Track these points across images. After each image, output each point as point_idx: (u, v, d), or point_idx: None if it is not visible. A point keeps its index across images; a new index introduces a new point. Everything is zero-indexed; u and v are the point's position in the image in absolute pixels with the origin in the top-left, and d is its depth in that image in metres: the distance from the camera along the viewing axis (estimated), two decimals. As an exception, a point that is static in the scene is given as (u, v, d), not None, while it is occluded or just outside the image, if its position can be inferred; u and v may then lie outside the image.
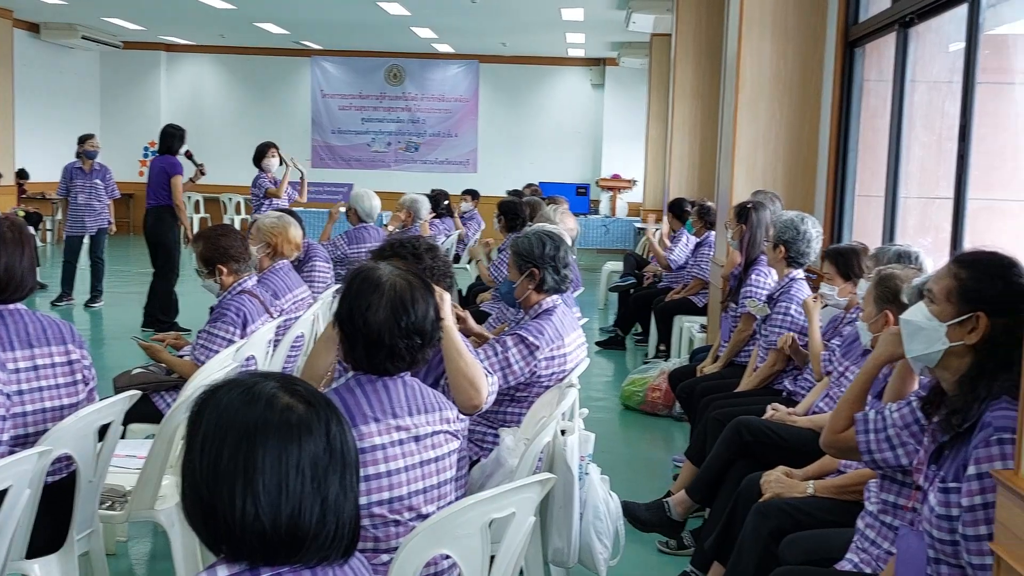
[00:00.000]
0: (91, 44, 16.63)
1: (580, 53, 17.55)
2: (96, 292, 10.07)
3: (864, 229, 5.56)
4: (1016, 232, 4.35)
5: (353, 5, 13.23)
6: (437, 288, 2.59)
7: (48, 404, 2.84)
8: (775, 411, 3.93)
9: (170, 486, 3.30)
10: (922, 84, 4.97)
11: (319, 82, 18.52)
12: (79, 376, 2.94)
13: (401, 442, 2.35)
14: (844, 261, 4.14)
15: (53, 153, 16.28)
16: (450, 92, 18.42)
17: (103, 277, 10.13)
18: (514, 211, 7.48)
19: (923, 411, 2.39)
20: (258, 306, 4.30)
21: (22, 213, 13.19)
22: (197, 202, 17.41)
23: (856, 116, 5.64)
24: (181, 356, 4.31)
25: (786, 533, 2.91)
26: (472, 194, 12.29)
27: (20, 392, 2.78)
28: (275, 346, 4.48)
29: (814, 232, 4.58)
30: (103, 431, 2.91)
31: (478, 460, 3.27)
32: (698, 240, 7.68)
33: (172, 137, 9.04)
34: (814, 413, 3.82)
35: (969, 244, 3.97)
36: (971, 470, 2.03)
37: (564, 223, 6.09)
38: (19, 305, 2.85)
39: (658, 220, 10.23)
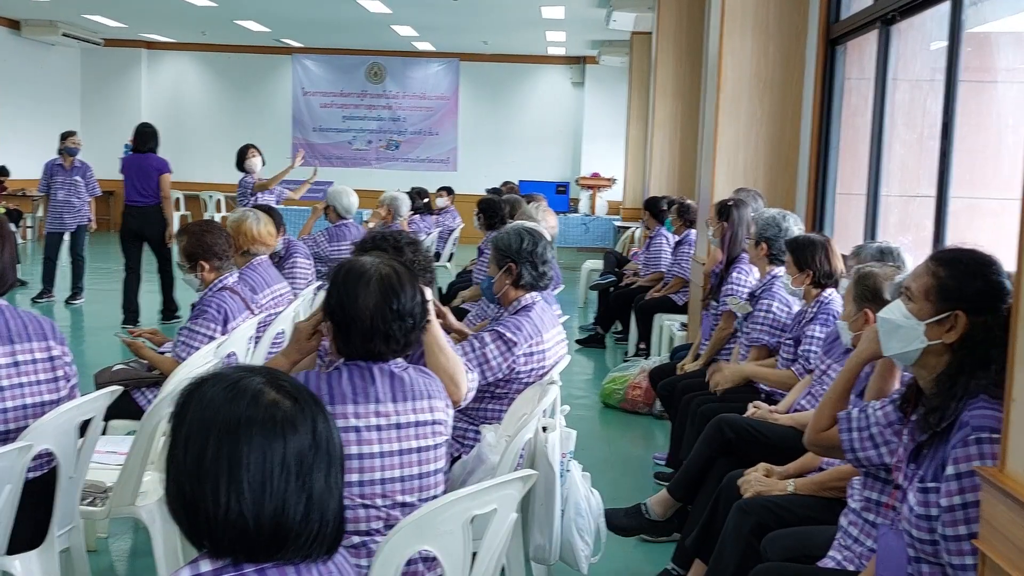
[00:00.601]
0: (72, 41, 16.51)
1: (561, 51, 17.57)
2: (77, 289, 10.02)
3: (845, 227, 5.59)
4: (997, 230, 4.38)
5: (334, 3, 13.20)
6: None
7: (29, 400, 2.82)
8: (756, 409, 3.94)
9: (151, 482, 3.29)
10: (904, 82, 5.00)
11: (300, 80, 18.46)
12: (60, 372, 2.92)
13: (379, 427, 2.38)
14: (800, 251, 4.19)
15: (34, 150, 16.14)
16: (431, 90, 18.41)
17: (83, 274, 10.07)
18: (494, 209, 7.48)
19: (900, 409, 2.41)
20: (239, 303, 4.28)
21: (2, 210, 13.08)
22: (178, 199, 17.26)
23: (837, 114, 5.67)
24: (162, 352, 4.29)
25: (768, 530, 2.92)
26: (448, 190, 12.33)
27: (0, 388, 2.76)
28: (256, 343, 4.46)
29: (796, 229, 4.60)
30: (84, 427, 2.89)
31: (459, 456, 3.27)
32: (678, 238, 7.70)
33: (152, 136, 9.18)
34: (796, 411, 3.84)
35: (951, 242, 4.00)
36: (950, 470, 2.04)
37: (545, 221, 6.10)
38: (2, 301, 2.83)
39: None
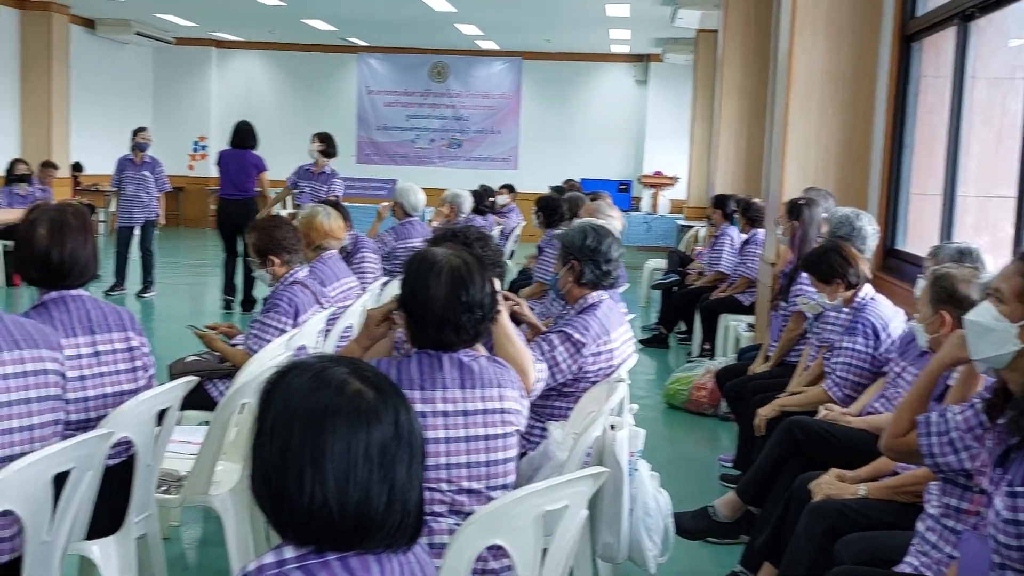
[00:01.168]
0: (144, 40, 16.84)
1: (624, 50, 17.49)
2: (147, 282, 10.21)
3: (920, 227, 5.48)
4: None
5: (399, 1, 13.29)
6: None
7: (109, 390, 2.89)
8: (829, 411, 3.88)
9: (224, 472, 3.34)
10: (982, 80, 4.87)
11: (365, 79, 18.62)
12: (139, 363, 2.98)
13: (446, 413, 2.41)
14: (817, 267, 4.15)
15: (107, 147, 16.50)
16: (494, 89, 18.45)
17: (153, 268, 10.26)
18: (553, 207, 7.46)
19: (986, 413, 2.35)
20: (309, 296, 4.34)
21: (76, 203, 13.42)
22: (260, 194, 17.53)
23: (912, 113, 5.56)
24: (234, 345, 4.35)
25: (841, 533, 2.87)
26: (509, 188, 12.35)
27: (82, 378, 2.83)
28: (325, 336, 4.51)
29: (870, 229, 4.52)
30: (160, 416, 2.94)
31: (525, 453, 3.27)
32: (745, 238, 7.62)
33: (251, 134, 9.79)
34: (868, 413, 3.77)
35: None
36: None
37: (611, 218, 6.08)
38: (82, 292, 2.90)
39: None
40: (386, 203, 7.85)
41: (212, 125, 18.54)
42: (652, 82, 17.72)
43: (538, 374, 3.03)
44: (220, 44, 18.55)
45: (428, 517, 2.38)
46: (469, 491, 2.42)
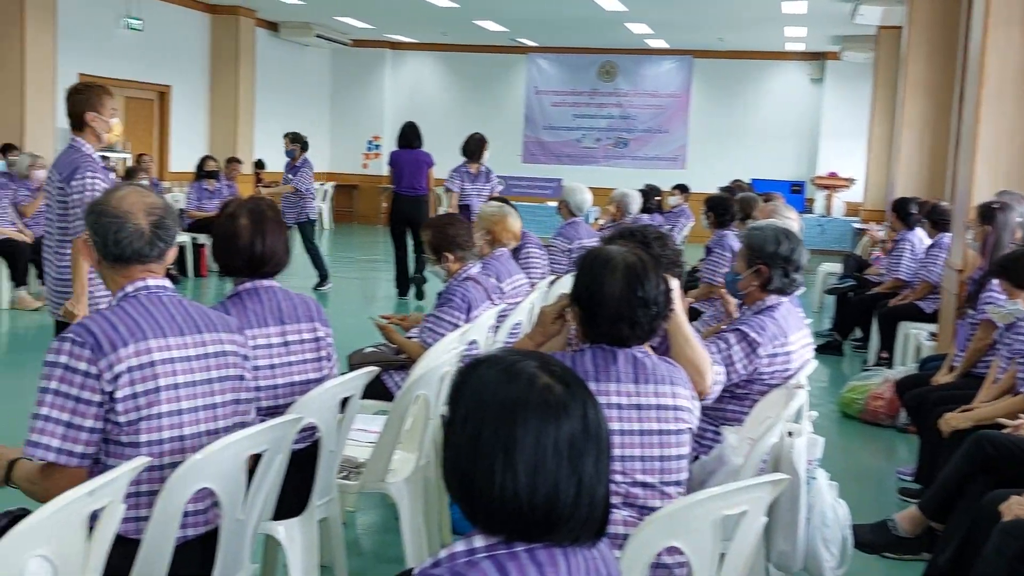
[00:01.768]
0: (323, 42, 17.50)
1: (799, 47, 17.01)
2: (322, 276, 10.57)
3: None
4: None
5: (571, 2, 13.34)
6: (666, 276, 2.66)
7: (297, 378, 3.02)
8: (1018, 426, 3.67)
9: (401, 460, 3.43)
10: None
11: (534, 79, 18.78)
12: (324, 353, 3.10)
13: (619, 406, 2.44)
14: (1011, 273, 3.87)
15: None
16: (662, 88, 18.28)
17: (321, 262, 10.61)
18: (724, 207, 7.32)
19: None
20: (481, 292, 4.41)
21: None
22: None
23: (1120, 112, 5.20)
24: (410, 338, 4.47)
25: (1035, 555, 2.72)
26: (682, 188, 12.17)
27: (272, 366, 2.97)
28: (495, 332, 4.58)
29: (1072, 235, 4.25)
30: (343, 404, 3.05)
31: (697, 457, 3.22)
32: (930, 242, 7.27)
33: (418, 135, 10.28)
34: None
35: None
36: None
37: (788, 220, 5.91)
38: (274, 283, 3.04)
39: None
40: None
41: (385, 125, 19.08)
42: (828, 80, 17.17)
43: (716, 376, 2.98)
44: (394, 46, 19.08)
45: None
46: (644, 484, 2.44)
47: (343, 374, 3.12)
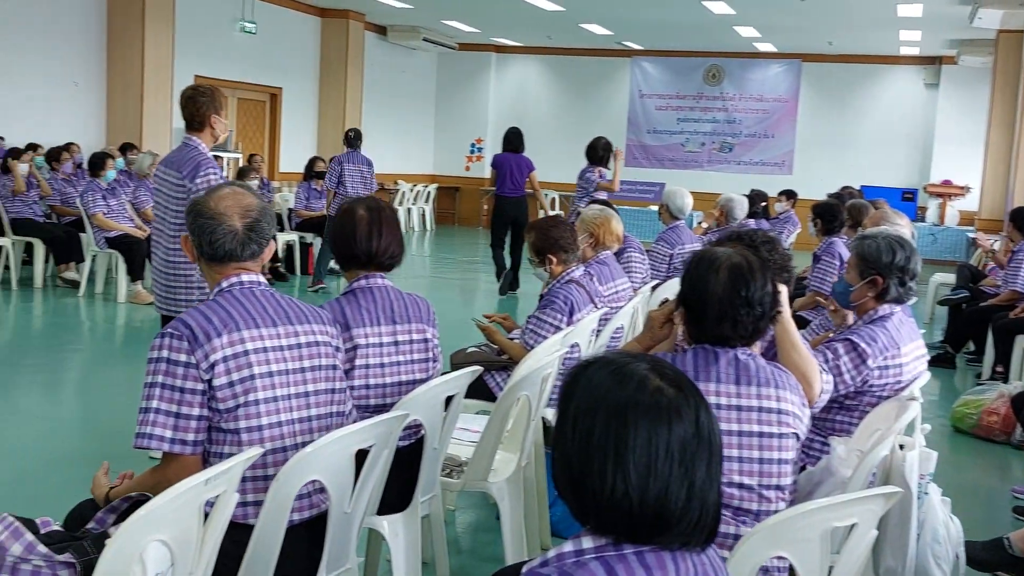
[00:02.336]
0: (430, 46, 17.73)
1: (914, 51, 16.55)
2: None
3: None
4: None
5: (678, 5, 13.24)
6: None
7: (404, 378, 3.06)
8: None
9: (502, 460, 3.45)
10: None
11: (638, 82, 18.68)
12: (430, 354, 3.14)
13: (718, 407, 2.43)
14: None
15: (393, 147, 17.56)
16: (769, 92, 18.00)
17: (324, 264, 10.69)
18: (832, 214, 7.16)
19: None
20: (584, 295, 4.40)
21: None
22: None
23: None
24: (511, 339, 4.49)
25: None
26: (789, 195, 11.94)
27: (382, 365, 3.02)
28: (596, 335, 4.56)
29: None
30: (447, 403, 3.08)
31: (804, 467, 3.16)
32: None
33: (522, 138, 10.74)
34: None
35: None
36: None
37: (900, 228, 5.75)
38: (387, 282, 3.10)
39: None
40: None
41: (489, 128, 19.24)
42: (943, 85, 16.65)
43: (824, 385, 2.92)
44: (499, 49, 19.21)
45: None
46: (740, 485, 2.42)
47: (444, 373, 3.15)
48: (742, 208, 8.37)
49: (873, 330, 3.36)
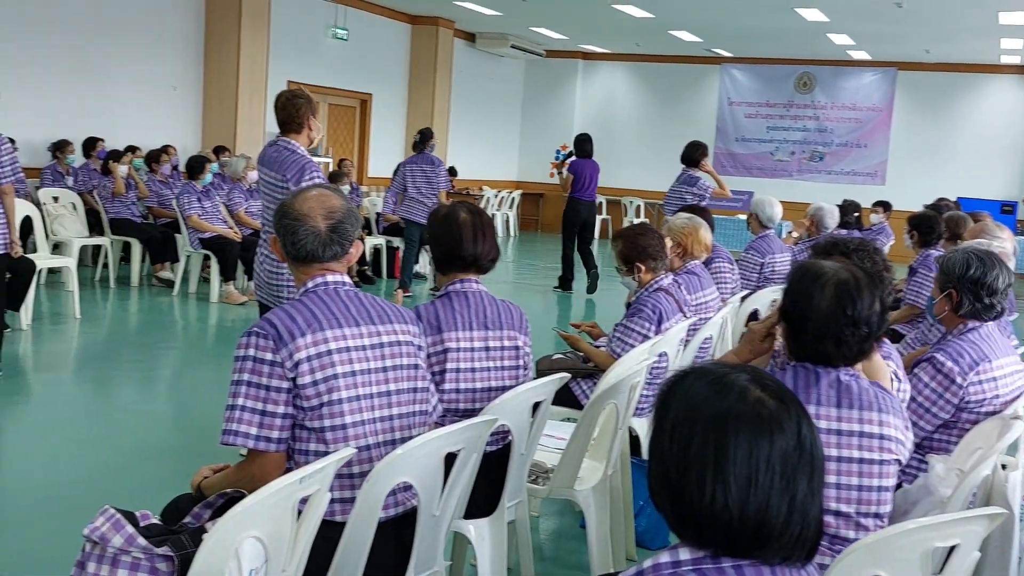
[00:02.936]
0: (518, 53, 17.80)
1: (1015, 60, 16.05)
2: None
3: None
4: None
5: (770, 12, 13.06)
6: None
7: (494, 384, 3.07)
8: None
9: (588, 468, 3.43)
10: None
11: (727, 90, 18.48)
12: (521, 362, 3.15)
13: (817, 431, 2.31)
14: None
15: (479, 153, 17.67)
16: (862, 101, 17.64)
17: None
18: (929, 225, 6.97)
19: None
20: (673, 304, 4.36)
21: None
22: (600, 204, 18.01)
23: None
24: (597, 347, 4.47)
25: None
26: (884, 206, 11.69)
27: (472, 370, 3.03)
28: (685, 345, 4.51)
29: None
30: (534, 409, 3.07)
31: (900, 485, 3.08)
32: None
33: (591, 144, 11.39)
34: None
35: None
36: None
37: (1000, 242, 5.57)
38: (481, 287, 3.12)
39: None
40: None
41: (574, 135, 19.19)
42: (1047, 94, 16.13)
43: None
44: (587, 56, 19.18)
45: None
46: (837, 513, 2.34)
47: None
48: (833, 217, 8.21)
49: (960, 344, 3.27)
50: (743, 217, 13.99)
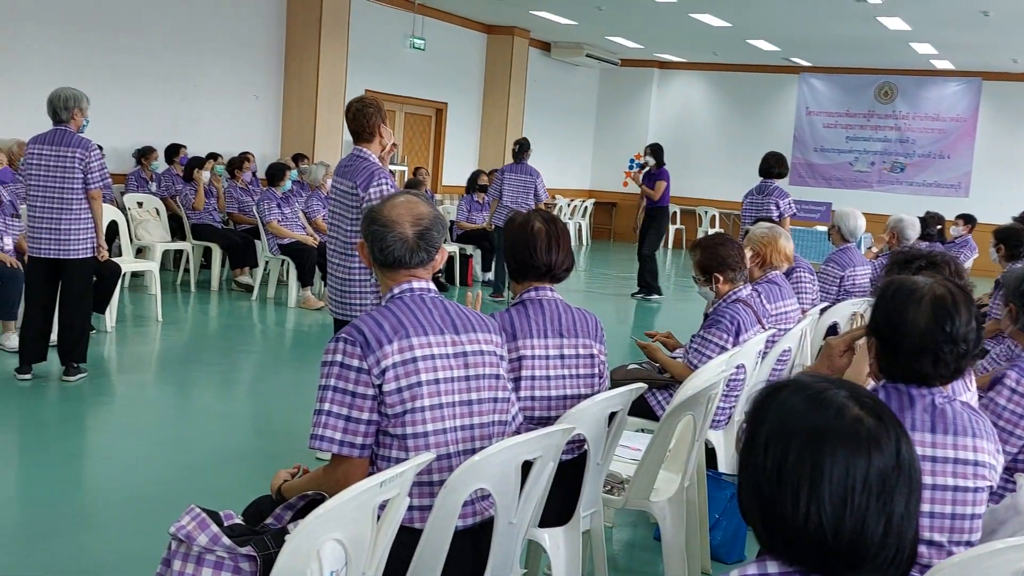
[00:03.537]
0: (593, 62, 17.78)
1: (1108, 69, 15.57)
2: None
3: None
4: None
5: (851, 21, 12.85)
6: None
7: (569, 392, 3.06)
8: None
9: (663, 480, 3.40)
10: None
11: (805, 99, 18.23)
12: (597, 371, 3.13)
13: None
14: None
15: (552, 162, 17.66)
16: (946, 111, 17.24)
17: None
18: (1017, 239, 6.78)
19: None
20: (751, 315, 4.31)
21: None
22: (675, 213, 17.91)
23: None
24: (673, 357, 4.43)
25: None
26: (967, 219, 11.40)
27: (548, 377, 3.03)
28: (763, 357, 4.46)
29: None
30: (610, 419, 3.06)
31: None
32: None
33: (663, 152, 11.85)
34: None
35: None
36: None
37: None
38: (556, 295, 3.12)
39: None
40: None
41: (648, 144, 19.09)
42: None
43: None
44: (663, 65, 19.09)
45: None
46: (930, 542, 2.26)
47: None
48: (914, 229, 8.02)
49: None
50: (821, 229, 13.77)
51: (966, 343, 2.27)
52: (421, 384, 2.39)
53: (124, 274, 8.02)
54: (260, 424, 5.80)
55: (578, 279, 13.11)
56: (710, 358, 4.06)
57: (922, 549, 2.24)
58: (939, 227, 10.17)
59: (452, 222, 11.78)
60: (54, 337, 6.22)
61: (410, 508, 2.36)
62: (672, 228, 17.68)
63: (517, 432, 2.66)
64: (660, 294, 11.66)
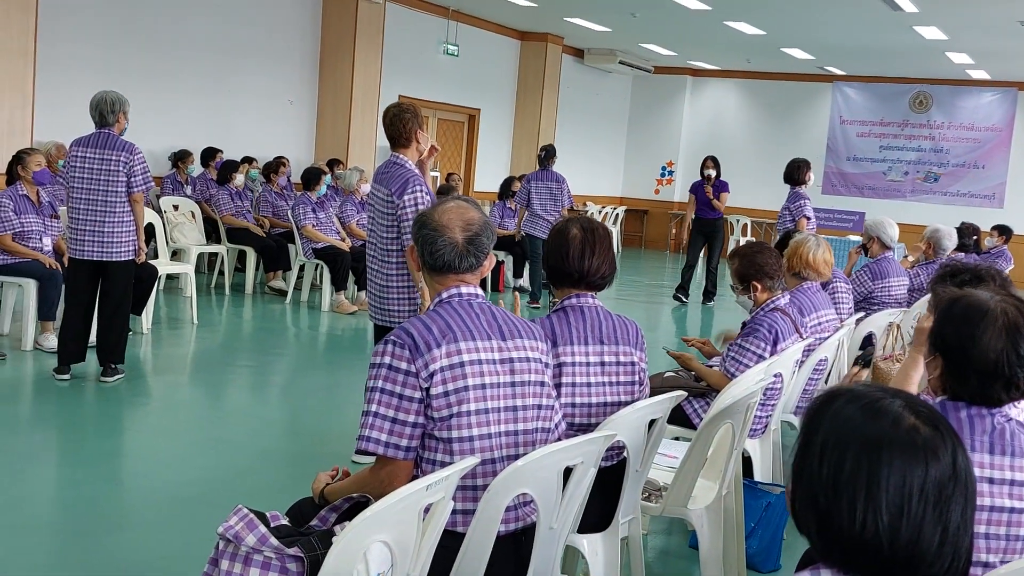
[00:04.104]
0: (626, 69, 17.77)
1: None
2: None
3: None
4: None
5: (886, 30, 12.77)
6: None
7: (609, 399, 3.06)
8: None
9: (701, 488, 3.40)
10: None
11: (839, 108, 18.13)
12: (636, 378, 3.13)
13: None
14: None
15: (583, 167, 17.67)
16: (981, 121, 17.09)
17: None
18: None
19: None
20: (789, 325, 4.29)
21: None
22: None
23: None
24: (710, 366, 4.42)
25: None
26: (1002, 230, 11.28)
27: (588, 384, 3.04)
28: (799, 366, 4.44)
29: None
30: (650, 426, 3.06)
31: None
32: None
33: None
34: None
35: None
36: None
37: None
38: (597, 302, 3.12)
39: None
40: (856, 248, 7.52)
41: (680, 151, 19.08)
42: None
43: None
44: (696, 73, 19.04)
45: None
46: (985, 564, 2.22)
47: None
48: (951, 239, 7.96)
49: None
50: (854, 238, 13.67)
51: None
52: (468, 388, 2.41)
53: (160, 276, 8.10)
54: (296, 426, 5.84)
55: (611, 286, 13.10)
56: (748, 367, 4.05)
57: (977, 571, 2.20)
58: (975, 238, 10.09)
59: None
60: (92, 338, 6.30)
61: (454, 512, 2.38)
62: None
63: (560, 439, 2.67)
64: (709, 301, 11.91)
